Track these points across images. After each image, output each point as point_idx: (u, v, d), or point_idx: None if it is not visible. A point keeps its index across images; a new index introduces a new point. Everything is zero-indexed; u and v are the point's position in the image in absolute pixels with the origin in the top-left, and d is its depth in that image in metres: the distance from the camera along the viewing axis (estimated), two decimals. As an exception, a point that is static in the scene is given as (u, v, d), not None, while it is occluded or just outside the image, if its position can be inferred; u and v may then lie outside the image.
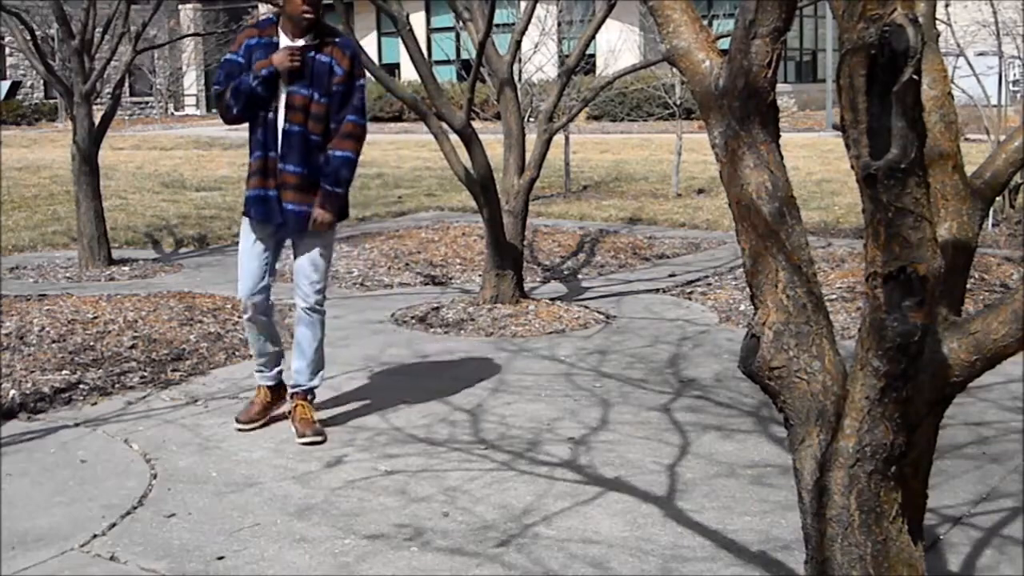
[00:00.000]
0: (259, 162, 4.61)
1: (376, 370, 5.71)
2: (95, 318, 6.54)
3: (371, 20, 30.07)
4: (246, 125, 4.70)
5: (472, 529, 3.72)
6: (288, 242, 4.79)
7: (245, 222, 4.73)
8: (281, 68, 4.50)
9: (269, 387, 4.86)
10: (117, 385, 5.44)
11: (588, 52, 8.58)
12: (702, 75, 2.25)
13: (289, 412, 4.79)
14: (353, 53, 4.69)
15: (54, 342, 6.06)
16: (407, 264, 8.54)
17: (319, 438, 4.59)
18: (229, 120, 4.66)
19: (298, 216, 4.61)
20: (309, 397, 4.78)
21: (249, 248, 4.72)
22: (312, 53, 4.56)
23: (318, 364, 4.81)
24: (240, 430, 4.74)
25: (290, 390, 4.81)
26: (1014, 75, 19.89)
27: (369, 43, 29.38)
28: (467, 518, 3.82)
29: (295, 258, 4.76)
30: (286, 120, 4.56)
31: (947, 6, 9.59)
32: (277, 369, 4.89)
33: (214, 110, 36.55)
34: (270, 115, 4.57)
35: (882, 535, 2.13)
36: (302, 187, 4.59)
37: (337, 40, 4.65)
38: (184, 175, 15.91)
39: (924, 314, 1.94)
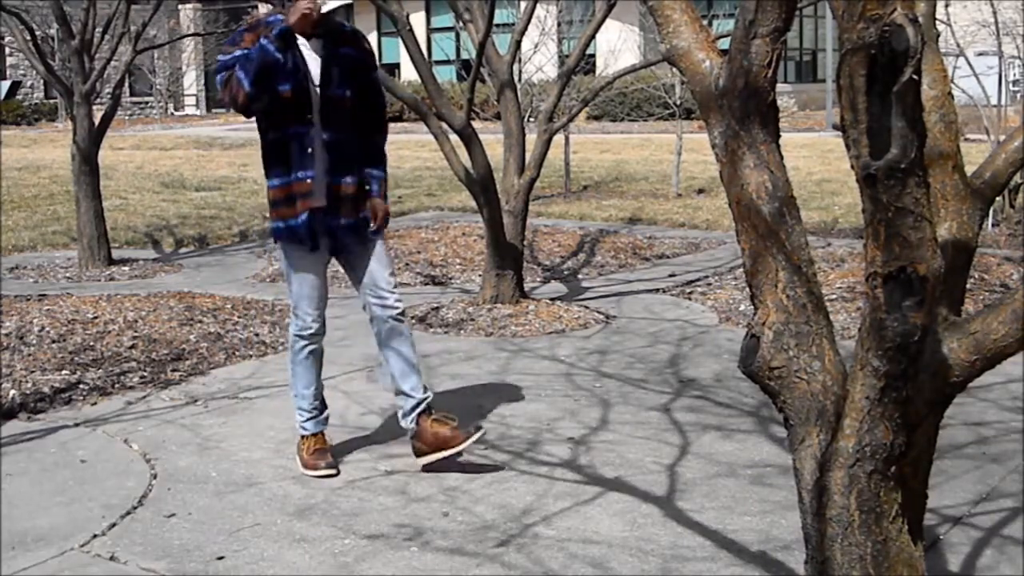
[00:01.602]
0: (303, 184, 4.10)
1: (376, 370, 5.71)
2: (95, 318, 6.54)
3: (371, 20, 30.08)
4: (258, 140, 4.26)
5: (472, 529, 3.72)
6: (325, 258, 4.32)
7: (293, 253, 4.22)
8: (296, 22, 3.97)
9: (323, 432, 4.36)
10: (117, 385, 5.44)
11: (588, 52, 8.59)
12: (702, 75, 2.24)
13: (420, 443, 4.24)
14: (365, 37, 4.39)
15: (54, 342, 6.06)
16: (407, 264, 8.54)
17: (481, 428, 4.27)
18: (241, 104, 4.01)
19: (356, 228, 4.21)
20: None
21: (307, 267, 4.22)
22: (332, 48, 4.14)
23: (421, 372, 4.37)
24: (326, 476, 4.20)
25: (412, 415, 4.25)
26: (1014, 75, 19.90)
27: (369, 43, 29.34)
28: (467, 518, 3.82)
29: (359, 272, 4.27)
30: (326, 129, 4.11)
31: (947, 6, 9.59)
32: (327, 410, 4.43)
33: (214, 110, 36.64)
34: (305, 128, 4.09)
35: (882, 535, 2.13)
36: (358, 197, 4.20)
37: (346, 28, 4.32)
38: (184, 175, 15.91)
39: (924, 314, 1.94)
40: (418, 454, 4.23)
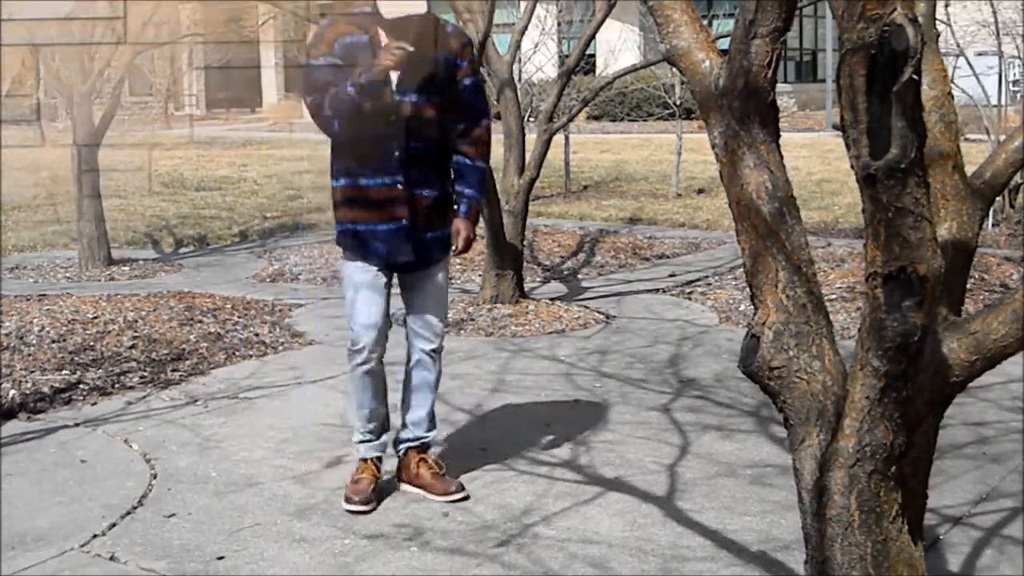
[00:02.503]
0: (382, 190, 3.77)
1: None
2: (95, 318, 6.54)
3: (371, 20, 30.00)
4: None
5: (472, 529, 3.72)
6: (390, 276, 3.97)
7: (355, 263, 3.89)
8: (378, 75, 3.67)
9: (376, 459, 4.03)
10: (117, 385, 5.44)
11: (588, 52, 8.59)
12: (702, 75, 2.25)
13: (402, 473, 4.08)
14: (469, 41, 3.99)
15: (54, 342, 6.06)
16: (407, 264, 8.53)
17: (464, 492, 3.98)
18: (332, 135, 3.80)
19: (429, 245, 3.88)
20: (431, 450, 4.13)
21: (369, 282, 3.86)
22: (421, 50, 3.75)
23: (434, 412, 4.11)
24: (356, 512, 3.86)
25: (404, 445, 4.06)
26: (1014, 75, 19.88)
27: (369, 43, 29.24)
28: (467, 518, 3.82)
29: (413, 294, 3.97)
30: (407, 135, 3.76)
31: (947, 6, 9.58)
32: (386, 436, 4.08)
33: (214, 110, 36.56)
34: (382, 130, 3.76)
35: (882, 535, 2.13)
36: (436, 211, 3.86)
37: (448, 30, 3.90)
38: (184, 175, 15.90)
39: (924, 314, 1.94)
40: (399, 479, 4.09)
